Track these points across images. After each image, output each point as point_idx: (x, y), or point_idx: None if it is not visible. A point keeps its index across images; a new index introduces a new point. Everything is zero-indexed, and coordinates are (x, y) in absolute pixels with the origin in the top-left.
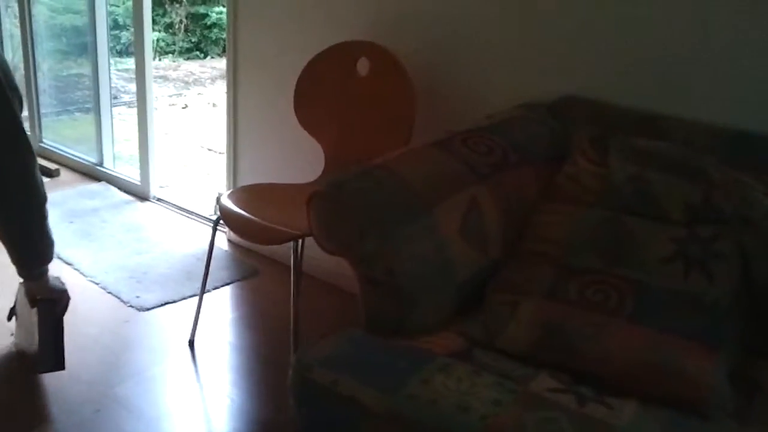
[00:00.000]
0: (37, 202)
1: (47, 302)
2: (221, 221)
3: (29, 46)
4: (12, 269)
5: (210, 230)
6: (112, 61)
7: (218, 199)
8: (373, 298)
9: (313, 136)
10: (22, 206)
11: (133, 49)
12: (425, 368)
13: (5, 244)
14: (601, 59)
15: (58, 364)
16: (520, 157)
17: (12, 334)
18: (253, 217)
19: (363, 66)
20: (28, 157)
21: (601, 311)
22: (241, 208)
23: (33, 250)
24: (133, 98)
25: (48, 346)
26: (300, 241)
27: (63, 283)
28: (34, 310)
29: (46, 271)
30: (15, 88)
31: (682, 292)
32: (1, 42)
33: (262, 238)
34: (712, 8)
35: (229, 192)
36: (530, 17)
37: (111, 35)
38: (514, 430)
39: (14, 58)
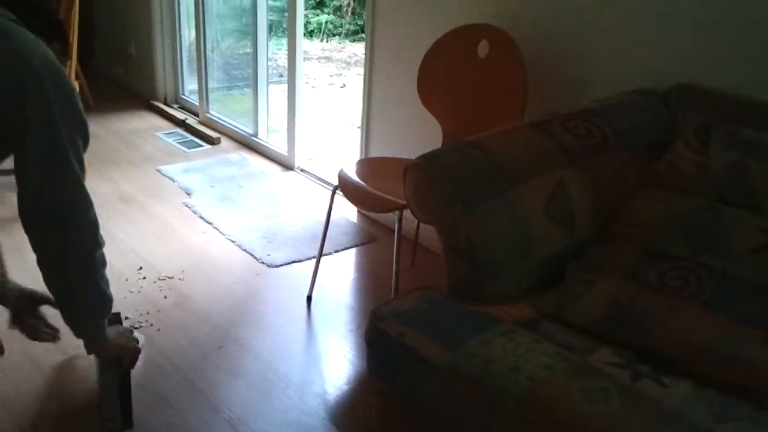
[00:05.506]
0: (78, 249)
1: (109, 361)
2: (338, 189)
3: (201, 25)
4: None
5: (337, 198)
6: (283, 42)
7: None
8: (455, 266)
9: (433, 114)
10: (62, 251)
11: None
12: (489, 331)
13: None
14: (719, 48)
15: (126, 423)
16: (621, 142)
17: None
18: (363, 186)
19: (483, 48)
20: (77, 198)
21: (676, 296)
22: (357, 178)
23: (75, 304)
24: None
25: (112, 405)
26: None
27: (130, 338)
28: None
29: (102, 327)
30: (80, 123)
31: (766, 284)
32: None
33: (369, 205)
34: None
35: (351, 163)
36: (646, 6)
37: (284, 17)
38: (560, 394)
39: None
